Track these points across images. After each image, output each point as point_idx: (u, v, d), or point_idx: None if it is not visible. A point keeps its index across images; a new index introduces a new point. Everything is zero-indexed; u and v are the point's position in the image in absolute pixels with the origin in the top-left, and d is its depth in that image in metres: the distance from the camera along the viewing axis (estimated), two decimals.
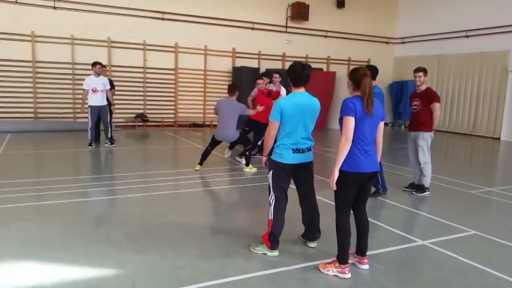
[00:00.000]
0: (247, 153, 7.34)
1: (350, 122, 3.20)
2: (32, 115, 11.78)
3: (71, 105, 12.16)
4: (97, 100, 9.04)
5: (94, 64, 9.12)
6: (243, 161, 7.73)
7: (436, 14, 15.46)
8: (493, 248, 4.08)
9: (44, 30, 11.58)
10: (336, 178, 3.26)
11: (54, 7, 11.62)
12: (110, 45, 12.41)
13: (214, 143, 7.25)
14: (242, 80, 13.37)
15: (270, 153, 3.77)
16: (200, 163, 7.23)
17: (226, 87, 13.87)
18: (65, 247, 3.73)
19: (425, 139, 5.95)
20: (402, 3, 17.15)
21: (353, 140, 3.24)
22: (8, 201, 5.02)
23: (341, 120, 3.26)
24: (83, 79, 11.26)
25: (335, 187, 3.29)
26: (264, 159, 3.87)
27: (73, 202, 5.14)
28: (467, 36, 14.57)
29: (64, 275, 3.21)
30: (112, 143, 9.38)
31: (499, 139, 13.55)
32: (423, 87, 5.98)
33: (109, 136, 9.35)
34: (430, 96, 5.89)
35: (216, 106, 7.09)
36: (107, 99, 9.22)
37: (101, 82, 9.07)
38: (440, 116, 6.13)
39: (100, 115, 9.18)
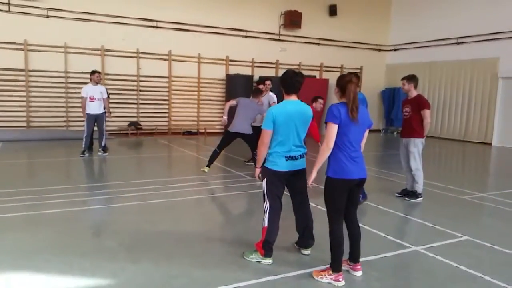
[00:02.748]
0: (255, 156, 7.44)
1: (333, 129, 3.25)
2: (25, 123, 11.71)
3: (64, 114, 12.11)
4: (94, 108, 9.03)
5: (93, 72, 9.12)
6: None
7: (427, 22, 15.65)
8: (485, 253, 4.12)
9: (37, 39, 11.55)
10: (314, 178, 3.42)
11: (47, 16, 11.61)
12: (103, 53, 12.41)
13: (225, 143, 7.43)
14: (236, 88, 13.44)
15: (262, 165, 3.79)
16: (208, 165, 7.42)
17: (221, 94, 14.17)
18: (58, 257, 3.70)
19: (416, 146, 6.00)
20: (393, 11, 17.35)
21: (339, 147, 3.29)
22: (0, 211, 4.97)
23: (326, 124, 3.31)
24: (76, 88, 11.32)
25: (310, 185, 3.50)
26: (258, 171, 3.83)
27: (66, 212, 5.10)
28: (457, 43, 14.76)
29: (57, 286, 3.19)
30: (105, 152, 9.34)
31: (490, 144, 13.70)
32: (414, 94, 6.03)
33: (103, 144, 9.32)
34: (420, 103, 5.94)
35: (236, 100, 7.47)
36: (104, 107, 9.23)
37: (99, 91, 9.08)
38: (430, 122, 6.17)
39: (97, 123, 9.17)
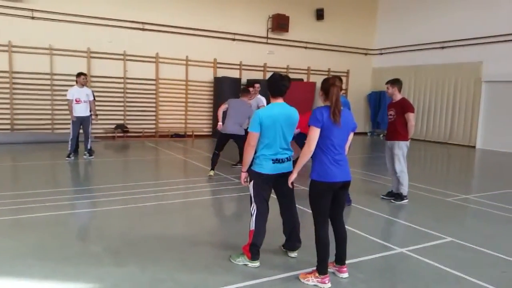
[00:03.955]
0: None
1: (315, 132, 3.28)
2: (9, 126, 11.52)
3: (49, 116, 11.94)
4: (80, 110, 8.94)
5: (79, 74, 9.03)
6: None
7: (412, 27, 15.89)
8: (470, 255, 4.18)
9: (22, 40, 11.38)
10: (294, 178, 3.51)
11: (32, 17, 11.46)
12: (89, 56, 12.29)
13: (221, 144, 7.58)
14: (224, 90, 13.45)
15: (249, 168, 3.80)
16: (212, 168, 7.55)
17: (208, 96, 14.14)
18: (42, 262, 3.65)
19: (400, 148, 6.07)
20: (379, 15, 17.57)
21: (323, 150, 3.32)
22: None
23: (309, 127, 3.34)
24: (62, 90, 11.18)
25: (290, 185, 3.56)
26: (244, 175, 3.80)
27: (50, 215, 5.03)
28: (442, 48, 15.01)
29: None
30: (91, 155, 9.24)
31: (474, 147, 13.94)
32: (398, 97, 6.11)
33: (88, 147, 9.23)
34: (404, 106, 6.02)
35: (227, 102, 7.60)
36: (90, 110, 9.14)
37: (85, 93, 8.99)
38: (415, 125, 6.25)
39: (83, 126, 9.08)
